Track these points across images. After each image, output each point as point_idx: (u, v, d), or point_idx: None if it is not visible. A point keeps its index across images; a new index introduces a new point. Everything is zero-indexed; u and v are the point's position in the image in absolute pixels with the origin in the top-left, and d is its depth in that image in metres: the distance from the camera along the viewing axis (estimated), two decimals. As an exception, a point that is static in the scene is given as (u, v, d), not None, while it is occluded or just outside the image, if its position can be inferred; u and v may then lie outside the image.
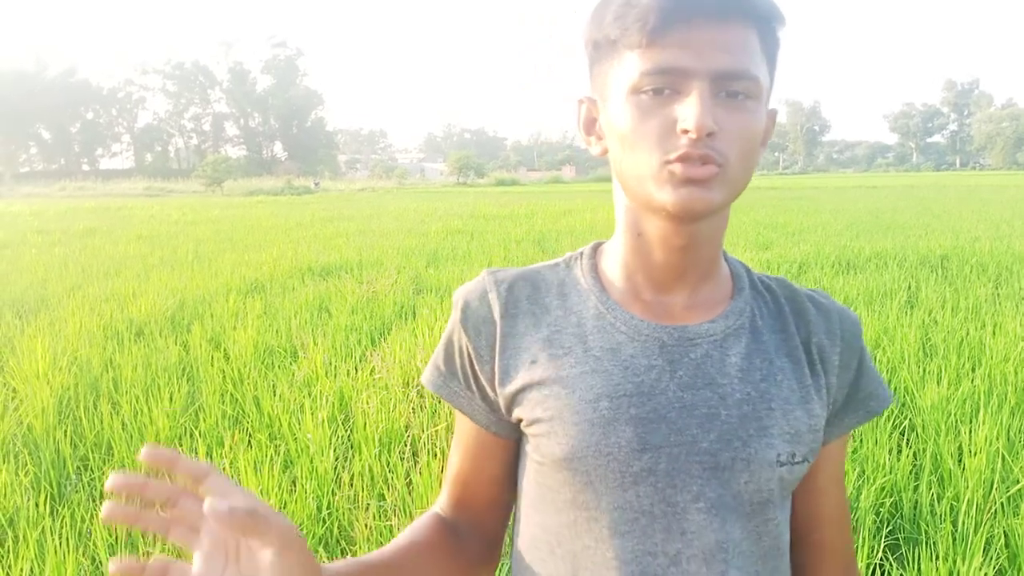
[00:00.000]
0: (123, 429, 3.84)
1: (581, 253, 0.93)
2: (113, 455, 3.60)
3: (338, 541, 2.87)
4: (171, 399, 4.18)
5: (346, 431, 3.77)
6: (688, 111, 0.73)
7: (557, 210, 20.60)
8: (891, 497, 3.02)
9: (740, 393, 0.80)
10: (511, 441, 0.91)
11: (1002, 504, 2.92)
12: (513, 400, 0.86)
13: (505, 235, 13.38)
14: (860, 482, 3.04)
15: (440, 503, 0.96)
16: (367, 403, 3.80)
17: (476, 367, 0.88)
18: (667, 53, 0.74)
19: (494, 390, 0.87)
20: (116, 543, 2.80)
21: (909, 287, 7.30)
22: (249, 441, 3.79)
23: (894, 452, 3.33)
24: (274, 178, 60.20)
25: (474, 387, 0.89)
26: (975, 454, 3.14)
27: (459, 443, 0.94)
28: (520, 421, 0.86)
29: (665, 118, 0.75)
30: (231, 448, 3.60)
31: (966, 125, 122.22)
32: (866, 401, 0.90)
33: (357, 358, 5.01)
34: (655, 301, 0.86)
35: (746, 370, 0.82)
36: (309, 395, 4.19)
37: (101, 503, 2.93)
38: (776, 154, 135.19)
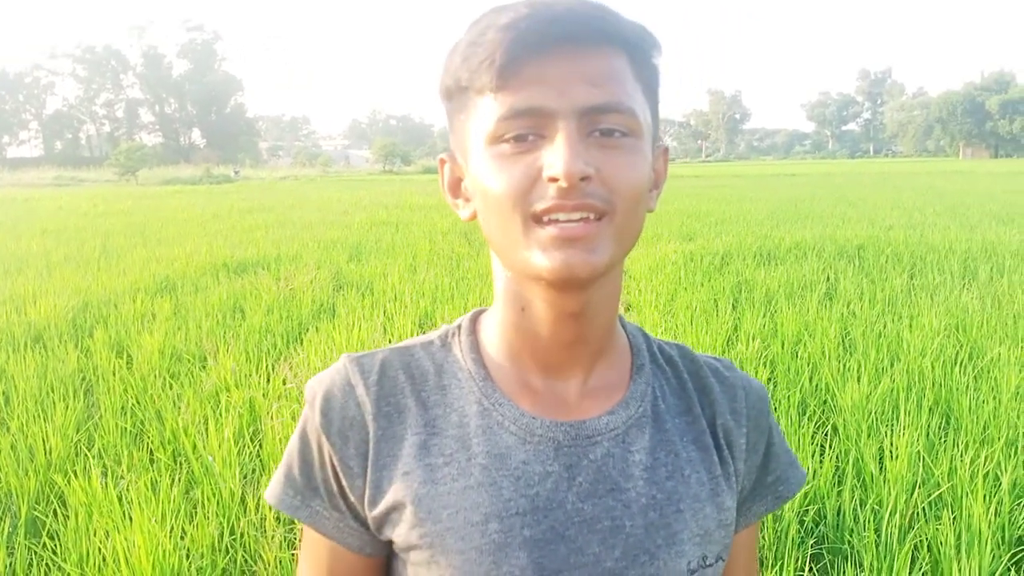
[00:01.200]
0: (11, 449, 3.55)
1: (459, 327, 0.79)
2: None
3: (243, 572, 2.69)
4: (66, 413, 3.90)
5: (255, 446, 3.57)
6: (554, 156, 0.62)
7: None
8: (815, 504, 2.98)
9: (645, 498, 0.71)
10: (384, 557, 0.76)
11: (923, 509, 2.91)
12: (385, 520, 0.71)
13: (431, 227, 13.18)
14: (784, 489, 3.00)
15: None
16: (275, 417, 3.60)
17: (344, 482, 0.72)
18: (523, 93, 0.63)
19: (364, 509, 0.72)
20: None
21: (828, 278, 7.40)
22: (151, 460, 3.56)
23: (816, 456, 3.30)
24: (192, 167, 58.47)
25: (343, 506, 0.73)
26: (896, 457, 3.13)
27: (318, 566, 0.76)
28: (392, 543, 0.72)
29: (528, 167, 0.64)
30: (129, 468, 3.36)
31: (879, 113, 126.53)
32: (775, 486, 0.82)
33: (270, 365, 4.78)
34: (546, 389, 0.74)
35: (651, 468, 0.72)
36: (216, 408, 3.96)
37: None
38: (699, 142, 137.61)
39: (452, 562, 0.68)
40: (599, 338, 0.74)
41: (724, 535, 0.74)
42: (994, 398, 3.85)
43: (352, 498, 0.72)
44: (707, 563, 0.73)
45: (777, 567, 2.60)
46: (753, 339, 4.93)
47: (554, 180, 0.62)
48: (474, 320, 0.80)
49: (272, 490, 0.75)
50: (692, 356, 0.82)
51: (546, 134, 0.64)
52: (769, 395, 0.83)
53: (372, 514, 0.71)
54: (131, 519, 2.72)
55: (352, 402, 0.72)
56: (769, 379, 4.31)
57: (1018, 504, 2.90)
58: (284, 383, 4.23)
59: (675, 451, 0.74)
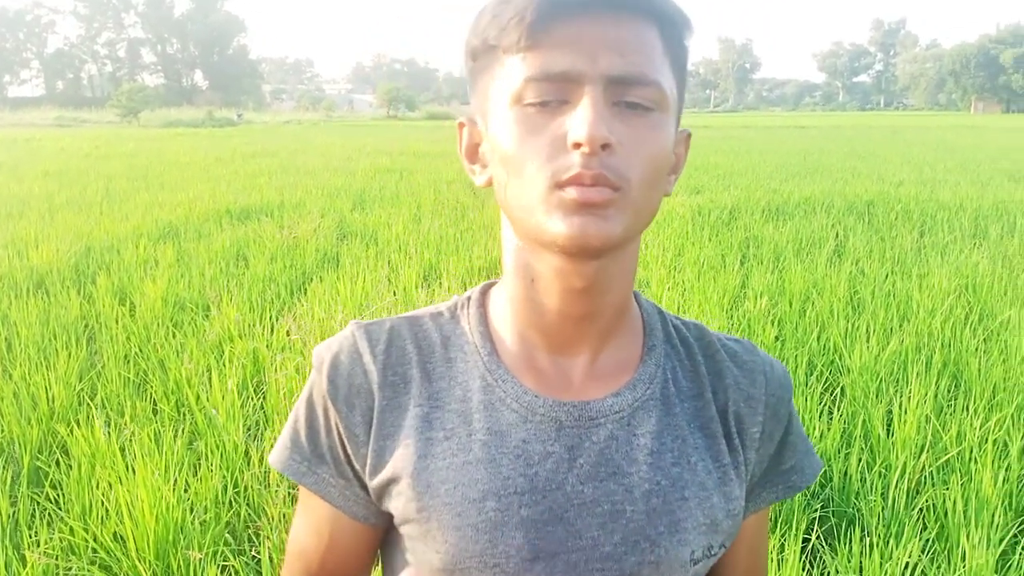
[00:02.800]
0: (14, 398, 3.54)
1: (468, 298, 0.77)
2: (1, 429, 3.32)
3: (246, 527, 2.68)
4: (68, 362, 3.88)
5: (259, 399, 3.55)
6: (578, 120, 0.61)
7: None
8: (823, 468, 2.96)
9: (648, 483, 0.69)
10: (383, 529, 0.75)
11: (931, 474, 2.89)
12: (384, 491, 0.71)
13: (436, 175, 13.05)
14: (791, 451, 2.98)
15: None
16: (280, 370, 3.57)
17: (350, 449, 0.72)
18: (552, 54, 0.62)
19: (367, 477, 0.72)
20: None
21: (837, 235, 7.32)
22: (154, 411, 3.54)
23: (824, 418, 3.27)
24: (194, 109, 57.85)
25: (349, 474, 0.73)
26: (905, 421, 3.10)
27: (318, 530, 0.76)
28: (391, 516, 0.72)
29: (553, 132, 0.63)
30: (132, 419, 3.35)
31: (891, 65, 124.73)
32: (788, 475, 0.80)
33: (274, 315, 4.75)
34: (552, 366, 0.72)
35: (656, 452, 0.70)
36: (219, 358, 3.94)
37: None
38: (708, 91, 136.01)
39: (448, 538, 0.67)
40: (609, 316, 0.72)
41: (732, 525, 0.73)
42: (1004, 362, 3.81)
43: (357, 466, 0.72)
44: (712, 553, 0.71)
45: (783, 530, 2.59)
46: (761, 296, 4.88)
47: (577, 145, 0.61)
48: (484, 292, 0.78)
49: (278, 455, 0.74)
50: (709, 338, 0.79)
51: (571, 99, 0.62)
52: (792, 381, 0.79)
53: (372, 484, 0.71)
54: (134, 471, 2.71)
55: (359, 369, 0.72)
56: (777, 338, 4.27)
57: (1027, 471, 2.87)
58: (288, 334, 4.20)
59: (683, 436, 0.72)
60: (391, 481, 0.70)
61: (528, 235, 0.67)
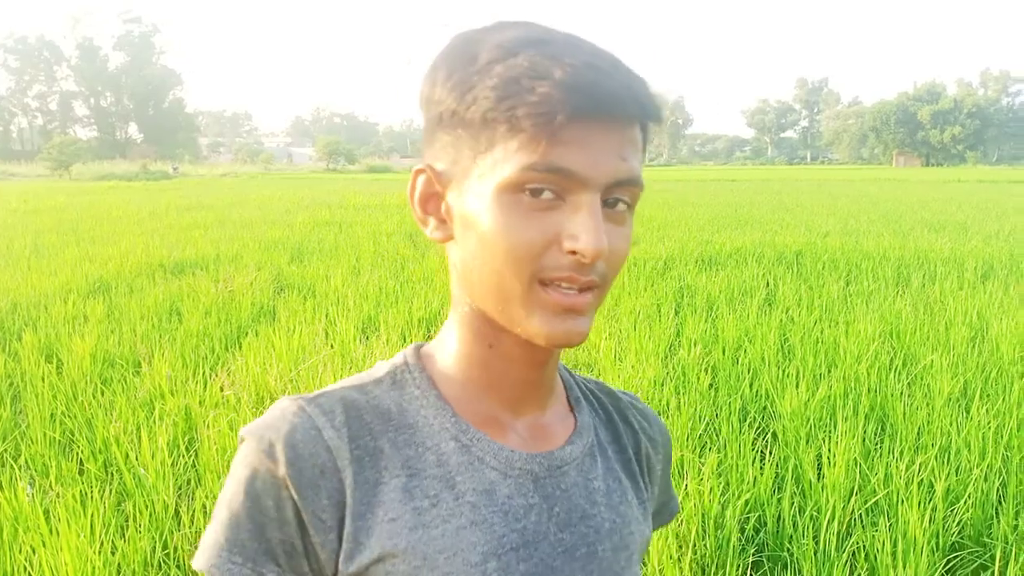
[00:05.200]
0: (-70, 461, 3.40)
1: (407, 364, 0.74)
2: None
3: (176, 589, 2.60)
4: (-10, 422, 3.74)
5: (191, 457, 3.47)
6: (582, 229, 0.62)
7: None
8: (756, 512, 3.01)
9: (609, 522, 0.74)
10: None
11: (860, 516, 2.96)
12: (364, 574, 0.65)
13: (375, 227, 13.04)
14: (725, 497, 3.02)
15: None
16: (212, 426, 3.50)
17: (314, 539, 0.65)
18: (561, 151, 0.61)
19: (335, 569, 0.66)
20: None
21: (768, 284, 7.52)
22: (80, 471, 3.43)
23: (757, 463, 3.34)
24: (128, 162, 56.96)
25: (305, 567, 0.65)
26: (834, 464, 3.18)
27: None
28: None
29: (546, 228, 0.63)
30: (57, 480, 3.23)
31: (816, 121, 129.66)
32: (668, 504, 0.91)
33: (207, 370, 4.66)
34: (513, 423, 0.74)
35: (607, 493, 0.76)
36: (150, 416, 3.84)
37: None
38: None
39: None
40: (552, 379, 0.76)
41: (643, 549, 0.80)
42: (927, 404, 3.95)
43: (322, 555, 0.65)
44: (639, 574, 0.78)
45: (719, 575, 2.62)
46: (695, 345, 4.98)
47: (574, 252, 0.62)
48: (418, 355, 0.75)
49: (211, 559, 0.64)
50: (609, 389, 0.86)
51: (566, 198, 0.63)
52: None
53: (349, 570, 0.65)
54: (59, 534, 2.61)
55: (321, 447, 0.66)
56: (711, 385, 4.35)
57: (951, 511, 2.97)
58: (222, 390, 4.12)
59: (618, 478, 0.78)
60: (379, 560, 0.65)
61: (498, 316, 0.67)
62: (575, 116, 0.60)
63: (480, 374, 0.72)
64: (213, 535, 0.65)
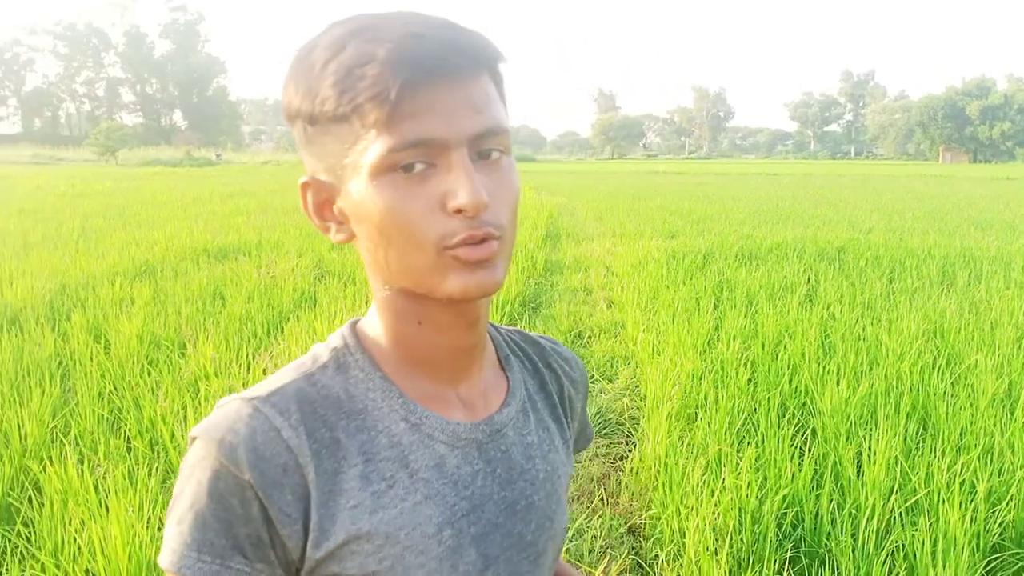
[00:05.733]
0: (-15, 435, 3.50)
1: (347, 346, 0.76)
2: (-29, 466, 3.28)
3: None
4: (42, 399, 3.85)
5: (234, 437, 3.53)
6: (458, 187, 0.65)
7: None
8: (793, 507, 3.00)
9: (543, 473, 0.82)
10: None
11: (900, 514, 2.93)
12: (334, 556, 0.69)
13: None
14: (763, 492, 3.02)
15: None
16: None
17: (281, 531, 0.67)
18: (412, 125, 0.64)
19: (302, 554, 0.69)
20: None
21: (808, 280, 7.44)
22: (128, 448, 3.52)
23: (795, 459, 3.32)
24: (172, 148, 57.88)
25: (272, 556, 0.68)
26: (874, 462, 3.15)
27: None
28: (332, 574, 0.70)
29: (428, 197, 0.66)
30: (105, 456, 3.33)
31: (861, 115, 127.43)
32: (584, 432, 0.98)
33: (251, 353, 4.75)
34: (454, 394, 0.78)
35: (538, 445, 0.83)
36: (195, 396, 3.93)
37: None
38: (682, 139, 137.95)
39: (415, 575, 0.71)
40: (483, 340, 0.79)
41: (567, 486, 0.88)
42: (971, 405, 3.89)
43: (288, 544, 0.68)
44: (567, 514, 0.86)
45: (755, 569, 2.62)
46: (734, 339, 4.95)
47: (459, 211, 0.65)
48: (355, 335, 0.78)
49: (179, 559, 0.66)
50: (532, 339, 0.91)
51: (437, 163, 0.66)
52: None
53: (317, 556, 0.69)
54: (107, 508, 2.69)
55: (282, 448, 0.68)
56: (749, 380, 4.33)
57: (993, 512, 2.93)
58: (264, 373, 4.20)
59: (547, 427, 0.86)
60: (344, 544, 0.69)
61: (419, 288, 0.70)
62: (409, 87, 0.63)
63: (415, 352, 0.75)
64: (178, 537, 0.66)
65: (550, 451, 0.83)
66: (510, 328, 0.90)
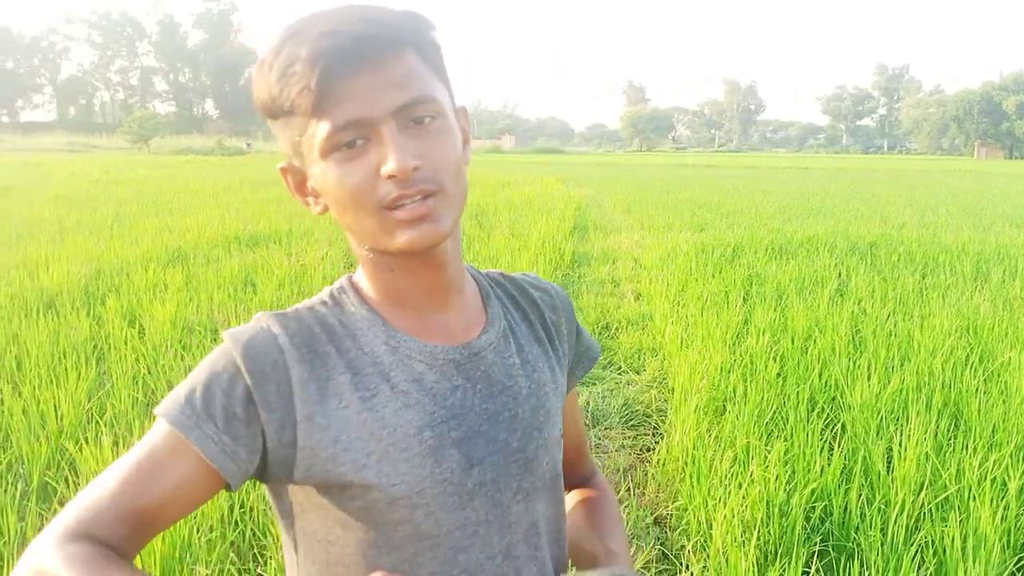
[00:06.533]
0: (23, 415, 3.58)
1: (343, 287, 0.91)
2: (11, 445, 3.35)
3: (251, 546, 2.71)
4: (78, 381, 3.93)
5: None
6: (386, 155, 0.76)
7: (495, 182, 20.42)
8: (822, 501, 2.99)
9: (526, 389, 0.92)
10: (236, 489, 0.85)
11: (930, 510, 2.91)
12: (330, 458, 0.81)
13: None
14: (791, 485, 3.01)
15: (105, 533, 0.76)
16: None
17: (261, 414, 0.80)
18: (340, 110, 0.76)
19: (280, 441, 0.80)
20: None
21: (840, 275, 7.37)
22: (161, 430, 3.57)
23: (824, 453, 3.30)
24: (204, 137, 58.46)
25: (242, 433, 0.79)
26: (904, 457, 3.13)
27: (159, 481, 0.78)
28: (328, 472, 0.81)
29: (367, 168, 0.77)
30: (140, 438, 3.38)
31: (895, 109, 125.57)
32: (587, 353, 1.08)
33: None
34: (435, 323, 0.89)
35: (522, 366, 0.93)
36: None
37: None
38: (712, 131, 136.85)
39: (400, 469, 0.81)
40: (457, 280, 0.90)
41: (560, 402, 0.98)
42: (1004, 402, 3.84)
43: (267, 431, 0.79)
44: (559, 425, 0.96)
45: (783, 562, 2.61)
46: (763, 333, 4.93)
47: (391, 176, 0.76)
48: (351, 284, 0.91)
49: (168, 407, 0.79)
50: (511, 277, 1.02)
51: (371, 137, 0.77)
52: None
53: (308, 443, 0.80)
54: (142, 489, 2.74)
55: (274, 348, 0.81)
56: (779, 374, 4.31)
57: (1025, 509, 2.90)
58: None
59: (531, 350, 0.96)
60: (335, 441, 0.80)
61: (377, 247, 0.82)
62: (327, 79, 0.74)
63: (394, 294, 0.88)
64: (176, 394, 0.80)
65: (535, 371, 0.94)
66: (491, 270, 1.02)
